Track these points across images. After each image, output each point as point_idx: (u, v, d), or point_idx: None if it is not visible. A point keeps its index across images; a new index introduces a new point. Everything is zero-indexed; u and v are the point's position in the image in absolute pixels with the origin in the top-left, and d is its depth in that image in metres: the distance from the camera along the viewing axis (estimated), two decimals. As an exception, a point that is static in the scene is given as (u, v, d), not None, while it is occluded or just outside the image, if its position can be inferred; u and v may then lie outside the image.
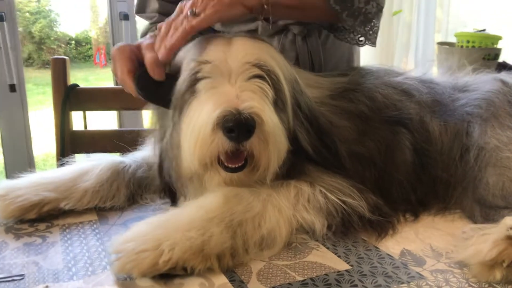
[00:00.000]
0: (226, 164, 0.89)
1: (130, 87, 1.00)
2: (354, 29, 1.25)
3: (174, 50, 0.98)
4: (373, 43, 1.27)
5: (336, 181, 0.98)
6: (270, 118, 0.88)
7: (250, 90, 0.89)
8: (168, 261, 0.77)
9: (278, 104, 0.95)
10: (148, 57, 0.98)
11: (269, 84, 0.92)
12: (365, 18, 1.21)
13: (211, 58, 0.92)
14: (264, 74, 0.92)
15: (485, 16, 3.61)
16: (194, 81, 0.92)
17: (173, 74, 0.98)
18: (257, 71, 0.92)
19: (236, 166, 0.89)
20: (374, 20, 1.24)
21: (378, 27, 1.26)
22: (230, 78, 0.91)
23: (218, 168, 0.91)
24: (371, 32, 1.25)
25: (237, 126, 0.84)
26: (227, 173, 0.90)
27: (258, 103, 0.87)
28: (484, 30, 2.44)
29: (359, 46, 1.36)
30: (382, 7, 1.25)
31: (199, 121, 0.88)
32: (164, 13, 1.39)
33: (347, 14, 1.19)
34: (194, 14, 0.97)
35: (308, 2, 1.18)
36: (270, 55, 0.97)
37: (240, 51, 0.93)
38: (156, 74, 0.96)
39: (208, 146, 0.86)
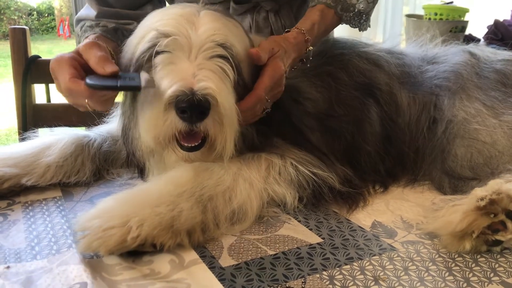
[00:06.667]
0: (182, 143, 0.86)
1: (78, 91, 0.84)
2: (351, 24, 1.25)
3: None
4: (365, 29, 1.27)
5: (306, 153, 0.97)
6: (226, 100, 0.84)
7: (209, 69, 0.85)
8: (137, 238, 0.75)
9: (240, 85, 0.91)
10: (95, 56, 0.86)
11: (231, 66, 0.88)
12: (366, 16, 1.23)
13: (173, 31, 0.87)
14: (228, 55, 0.88)
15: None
16: (153, 54, 0.86)
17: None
18: (220, 51, 0.87)
19: (192, 145, 0.86)
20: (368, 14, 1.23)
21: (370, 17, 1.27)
22: (190, 54, 0.86)
23: (175, 146, 0.88)
24: (364, 22, 1.23)
25: (190, 107, 0.80)
26: (184, 151, 0.88)
27: (214, 83, 0.83)
28: (451, 2, 2.46)
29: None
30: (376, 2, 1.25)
31: (153, 98, 0.84)
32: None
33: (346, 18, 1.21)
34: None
35: (329, 24, 1.18)
36: (235, 35, 0.92)
37: (207, 28, 0.88)
38: (107, 68, 0.83)
39: (161, 125, 0.83)
